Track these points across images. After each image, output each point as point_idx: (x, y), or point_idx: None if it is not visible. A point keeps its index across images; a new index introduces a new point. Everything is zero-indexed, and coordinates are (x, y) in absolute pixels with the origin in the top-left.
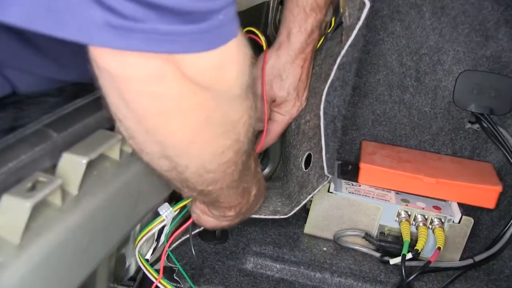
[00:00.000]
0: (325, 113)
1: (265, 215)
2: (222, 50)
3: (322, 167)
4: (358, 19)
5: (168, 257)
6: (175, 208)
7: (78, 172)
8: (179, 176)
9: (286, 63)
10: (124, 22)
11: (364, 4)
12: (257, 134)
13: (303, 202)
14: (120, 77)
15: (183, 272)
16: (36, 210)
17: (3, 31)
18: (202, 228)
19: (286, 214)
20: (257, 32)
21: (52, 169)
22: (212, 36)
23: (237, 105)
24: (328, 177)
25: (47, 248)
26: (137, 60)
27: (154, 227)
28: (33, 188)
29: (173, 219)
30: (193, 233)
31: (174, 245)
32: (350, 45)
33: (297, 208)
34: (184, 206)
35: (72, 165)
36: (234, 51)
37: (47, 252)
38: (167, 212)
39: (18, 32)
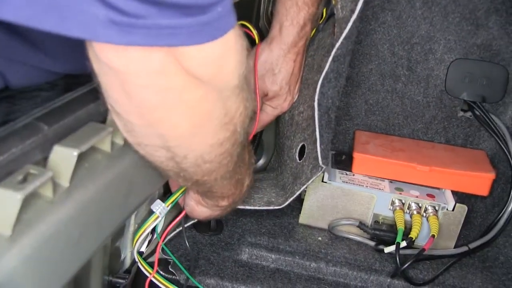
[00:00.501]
0: (319, 104)
1: (259, 206)
2: (221, 42)
3: (316, 158)
4: (352, 11)
5: (163, 250)
6: (168, 203)
7: (69, 164)
8: (176, 167)
9: (279, 57)
10: (126, 19)
11: None
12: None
13: (297, 193)
14: (123, 72)
15: (179, 264)
16: (27, 202)
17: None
18: (195, 220)
19: (280, 205)
20: (249, 25)
21: (43, 162)
22: (211, 28)
23: (235, 96)
24: (322, 168)
25: (38, 240)
26: (140, 54)
27: (150, 225)
28: (24, 180)
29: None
30: (186, 225)
31: (168, 237)
32: (345, 37)
33: (291, 198)
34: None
35: (63, 157)
36: (232, 42)
37: (38, 244)
38: (160, 208)
39: (7, 26)
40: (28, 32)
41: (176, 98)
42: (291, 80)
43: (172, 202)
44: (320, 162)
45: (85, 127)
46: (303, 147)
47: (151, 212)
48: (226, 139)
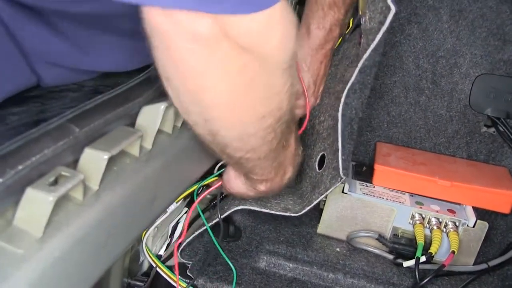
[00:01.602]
0: (343, 115)
1: (276, 210)
2: (266, 14)
3: (336, 168)
4: (381, 23)
5: (182, 252)
6: (177, 200)
7: (99, 168)
8: (221, 141)
9: (308, 55)
10: None
11: (388, 8)
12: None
13: (315, 202)
14: (169, 35)
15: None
16: (58, 204)
17: (34, 22)
18: (213, 222)
19: (297, 213)
20: None
21: (74, 164)
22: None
23: (281, 70)
24: (342, 178)
25: (68, 242)
26: (186, 18)
27: (157, 221)
28: (55, 182)
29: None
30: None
31: (187, 240)
32: (373, 49)
33: (308, 207)
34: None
35: (94, 160)
36: (278, 15)
37: (68, 246)
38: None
39: (48, 23)
40: (65, 28)
41: (218, 65)
42: (317, 81)
43: (180, 199)
44: (341, 173)
45: (115, 130)
46: (322, 157)
47: None
48: (268, 113)
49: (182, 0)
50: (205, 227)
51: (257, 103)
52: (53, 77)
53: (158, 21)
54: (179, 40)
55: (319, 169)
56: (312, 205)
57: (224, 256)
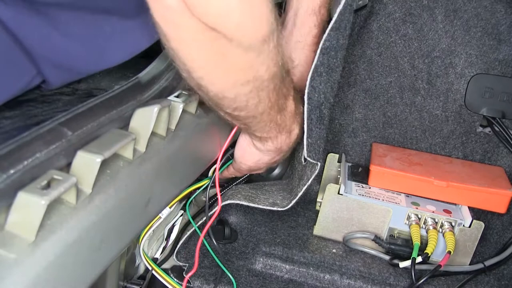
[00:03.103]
0: (309, 98)
1: (263, 205)
2: None
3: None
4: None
5: (178, 255)
6: (170, 204)
7: (92, 171)
8: (207, 95)
9: (296, 49)
10: None
11: None
12: None
13: (300, 194)
14: (150, 3)
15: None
16: (50, 208)
17: (46, 25)
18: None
19: (284, 207)
20: None
21: (66, 167)
22: None
23: (247, 48)
24: (317, 164)
25: (61, 246)
26: None
27: (153, 225)
28: (48, 186)
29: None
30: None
31: (181, 241)
32: (332, 29)
33: (294, 200)
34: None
35: (87, 163)
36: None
37: (61, 250)
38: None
39: (58, 21)
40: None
41: (189, 36)
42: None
43: (175, 203)
44: (305, 154)
45: (108, 133)
46: None
47: None
48: (245, 83)
49: None
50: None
51: (231, 73)
52: (56, 76)
53: None
54: (155, 8)
55: (305, 161)
56: (298, 197)
57: (219, 262)
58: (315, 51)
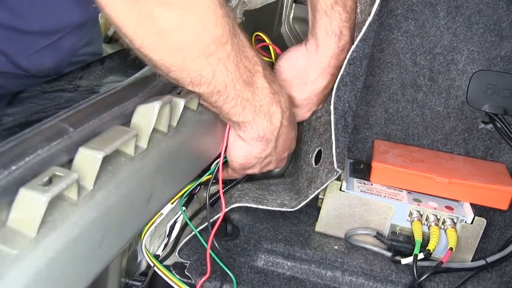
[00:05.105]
0: (335, 108)
1: (272, 206)
2: None
3: (332, 162)
4: (369, 14)
5: (180, 252)
6: (172, 201)
7: (93, 167)
8: (159, 70)
9: (317, 70)
10: None
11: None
12: None
13: (311, 196)
14: None
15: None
16: (52, 204)
17: None
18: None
19: (293, 208)
20: (263, 35)
21: (68, 164)
22: None
23: (178, 7)
24: (337, 172)
25: (62, 242)
26: None
27: (155, 221)
28: (49, 182)
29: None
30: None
31: (185, 240)
32: (361, 40)
33: (305, 202)
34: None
35: (88, 160)
36: None
37: (62, 246)
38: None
39: None
40: None
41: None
42: (321, 93)
43: (176, 199)
44: (336, 166)
45: (110, 130)
46: (319, 152)
47: None
48: (187, 47)
49: None
50: (203, 226)
51: (164, 35)
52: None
53: None
54: None
55: (316, 164)
56: (308, 199)
57: (219, 262)
58: (332, 74)
